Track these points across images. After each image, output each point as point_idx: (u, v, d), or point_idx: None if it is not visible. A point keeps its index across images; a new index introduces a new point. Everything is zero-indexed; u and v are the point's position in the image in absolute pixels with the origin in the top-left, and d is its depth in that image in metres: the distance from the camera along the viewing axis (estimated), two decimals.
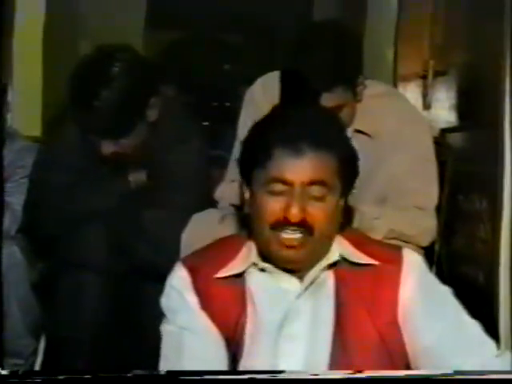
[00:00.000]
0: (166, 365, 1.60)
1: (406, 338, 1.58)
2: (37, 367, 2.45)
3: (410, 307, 1.58)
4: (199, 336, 1.59)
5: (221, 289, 1.60)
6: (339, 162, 1.57)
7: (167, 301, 1.65)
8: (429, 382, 1.54)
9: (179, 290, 1.62)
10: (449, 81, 2.74)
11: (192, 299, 1.61)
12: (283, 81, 2.13)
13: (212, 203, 2.32)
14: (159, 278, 1.72)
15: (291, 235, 1.55)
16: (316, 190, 1.55)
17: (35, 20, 3.15)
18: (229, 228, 2.00)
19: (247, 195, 1.64)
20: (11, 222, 2.48)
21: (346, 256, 1.62)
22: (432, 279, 1.68)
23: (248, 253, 1.63)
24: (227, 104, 4.74)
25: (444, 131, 2.64)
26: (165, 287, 1.66)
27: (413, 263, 1.63)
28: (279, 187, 1.55)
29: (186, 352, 1.59)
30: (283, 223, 1.55)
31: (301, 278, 1.61)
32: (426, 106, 2.91)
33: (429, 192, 2.25)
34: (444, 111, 2.74)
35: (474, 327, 1.62)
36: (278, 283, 1.61)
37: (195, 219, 2.17)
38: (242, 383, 1.52)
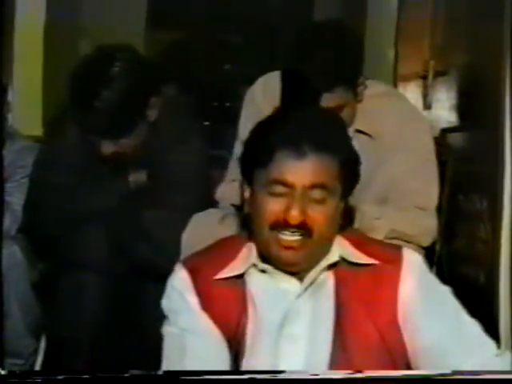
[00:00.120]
0: (168, 366, 1.60)
1: (406, 338, 1.58)
2: (37, 367, 2.45)
3: (409, 307, 1.58)
4: (201, 337, 1.59)
5: (221, 290, 1.61)
6: (341, 165, 1.57)
7: (168, 302, 1.65)
8: (428, 382, 1.53)
9: (180, 291, 1.63)
10: (449, 81, 2.74)
11: (193, 300, 1.61)
12: (284, 81, 2.13)
13: (212, 203, 2.32)
14: (159, 278, 1.72)
15: (290, 237, 1.55)
16: (317, 193, 1.55)
17: (36, 20, 3.16)
18: (229, 228, 2.00)
19: (247, 194, 1.64)
20: (11, 222, 2.48)
21: (346, 256, 1.62)
22: (432, 279, 1.68)
23: (248, 254, 1.63)
24: (227, 104, 4.73)
25: (444, 131, 2.64)
26: (165, 289, 1.66)
27: (413, 263, 1.63)
28: (280, 189, 1.55)
29: (187, 353, 1.59)
30: (283, 225, 1.55)
31: (301, 278, 1.61)
32: (427, 106, 2.91)
33: (429, 192, 2.24)
34: (444, 111, 2.75)
35: (473, 327, 1.62)
36: (278, 284, 1.61)
37: (195, 219, 2.17)
38: (242, 383, 1.52)
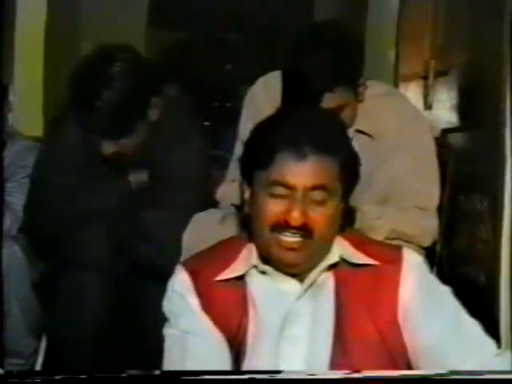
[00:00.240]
0: (169, 368, 1.60)
1: (406, 338, 1.58)
2: (38, 367, 2.45)
3: (409, 307, 1.58)
4: (202, 339, 1.59)
5: (222, 291, 1.60)
6: (341, 166, 1.57)
7: (169, 304, 1.65)
8: (428, 382, 1.54)
9: (181, 293, 1.62)
10: (450, 81, 2.74)
11: (194, 302, 1.61)
12: (285, 81, 2.13)
13: (213, 203, 2.32)
14: (160, 278, 1.72)
15: (291, 238, 1.55)
16: (317, 195, 1.55)
17: (36, 20, 3.16)
18: (230, 228, 2.00)
19: (247, 195, 1.64)
20: (12, 222, 2.48)
21: (346, 257, 1.62)
22: (432, 279, 1.68)
23: (248, 255, 1.63)
24: (228, 104, 4.73)
25: (445, 131, 2.64)
26: (166, 291, 1.66)
27: (413, 263, 1.63)
28: (281, 190, 1.55)
29: (189, 355, 1.58)
30: (283, 226, 1.55)
31: (301, 279, 1.61)
32: (427, 106, 2.92)
33: (430, 192, 2.25)
34: (445, 111, 2.75)
35: (473, 327, 1.62)
36: (279, 285, 1.61)
37: (196, 219, 2.17)
38: (241, 383, 1.52)
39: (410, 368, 1.59)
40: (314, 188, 1.54)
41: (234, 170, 2.25)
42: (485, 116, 2.33)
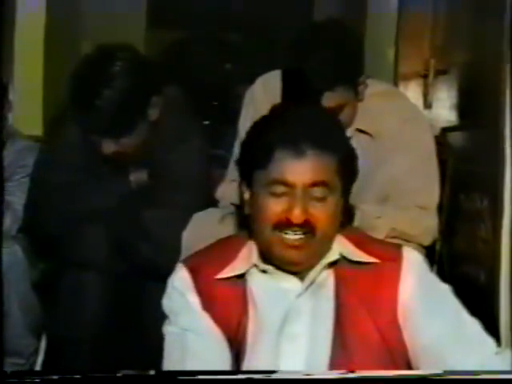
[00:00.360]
0: (169, 366, 1.60)
1: (406, 337, 1.58)
2: (38, 367, 2.45)
3: (409, 305, 1.58)
4: (202, 337, 1.58)
5: (222, 289, 1.60)
6: (339, 161, 1.57)
7: (169, 302, 1.65)
8: (427, 382, 1.54)
9: (181, 291, 1.62)
10: (450, 80, 2.74)
11: (194, 300, 1.61)
12: (285, 80, 2.13)
13: (213, 202, 2.32)
14: (160, 277, 1.72)
15: (293, 236, 1.55)
16: (317, 191, 1.55)
17: (36, 19, 3.16)
18: (229, 227, 2.00)
19: (247, 196, 1.64)
20: (12, 222, 2.49)
21: (346, 255, 1.62)
22: (432, 278, 1.68)
23: (249, 253, 1.63)
24: (228, 103, 4.73)
25: (445, 130, 2.64)
26: (166, 288, 1.66)
27: (413, 261, 1.63)
28: (281, 189, 1.55)
29: (189, 353, 1.58)
30: (285, 224, 1.54)
31: (301, 277, 1.61)
32: (427, 105, 2.92)
33: (430, 191, 2.25)
34: (445, 110, 2.75)
35: (473, 325, 1.62)
36: (279, 283, 1.61)
37: (196, 218, 2.18)
38: (238, 383, 1.52)
39: (409, 367, 1.59)
40: (314, 185, 1.54)
41: (233, 170, 2.25)
42: (484, 115, 2.33)
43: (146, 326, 2.12)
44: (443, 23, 2.86)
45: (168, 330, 1.63)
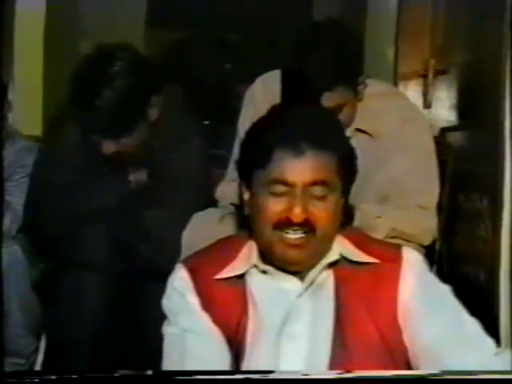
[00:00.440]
0: (168, 366, 1.60)
1: (406, 337, 1.58)
2: (37, 367, 2.45)
3: (409, 306, 1.58)
4: (201, 337, 1.58)
5: (222, 289, 1.60)
6: (338, 160, 1.58)
7: (168, 302, 1.65)
8: (426, 382, 1.54)
9: (180, 291, 1.62)
10: (449, 80, 2.74)
11: (193, 300, 1.61)
12: (284, 80, 2.13)
13: (212, 202, 2.32)
14: (160, 277, 1.72)
15: (294, 235, 1.55)
16: (317, 190, 1.55)
17: (36, 19, 3.16)
18: (229, 227, 2.00)
19: (247, 196, 1.64)
20: (12, 222, 2.49)
21: (346, 255, 1.62)
22: (432, 278, 1.68)
23: (249, 253, 1.63)
24: (227, 103, 4.73)
25: (444, 130, 2.64)
26: (166, 288, 1.66)
27: (412, 262, 1.63)
28: (281, 188, 1.55)
29: (188, 353, 1.58)
30: (286, 224, 1.54)
31: (301, 277, 1.61)
32: (427, 104, 2.92)
33: (430, 191, 2.25)
34: (444, 110, 2.75)
35: (473, 326, 1.61)
36: (279, 283, 1.61)
37: (196, 218, 2.18)
38: (235, 383, 1.52)
39: (409, 367, 1.59)
40: (314, 183, 1.54)
41: (233, 170, 2.24)
42: (484, 115, 2.33)
43: (146, 326, 2.12)
44: (443, 23, 2.86)
45: (167, 330, 1.63)
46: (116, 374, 1.52)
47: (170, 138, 2.30)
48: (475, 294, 2.07)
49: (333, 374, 1.51)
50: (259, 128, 1.63)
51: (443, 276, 1.77)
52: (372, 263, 1.61)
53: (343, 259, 1.62)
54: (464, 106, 2.59)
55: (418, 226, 2.19)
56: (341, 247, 1.62)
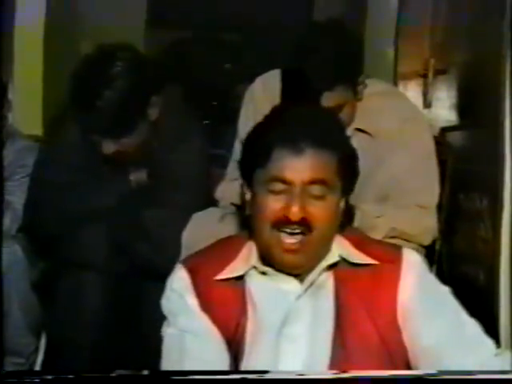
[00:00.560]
0: (167, 367, 1.60)
1: (406, 338, 1.58)
2: (37, 366, 2.46)
3: (409, 307, 1.58)
4: (200, 338, 1.59)
5: (221, 290, 1.60)
6: (339, 160, 1.58)
7: (168, 303, 1.65)
8: (424, 382, 1.53)
9: (180, 292, 1.62)
10: (449, 79, 2.74)
11: (192, 301, 1.61)
12: (284, 80, 2.13)
13: (213, 202, 2.32)
14: (160, 277, 1.72)
15: (290, 237, 1.55)
16: (316, 189, 1.55)
17: (36, 20, 3.15)
18: (229, 227, 2.00)
19: (248, 196, 1.64)
20: (12, 221, 2.49)
21: (346, 256, 1.62)
22: (432, 279, 1.68)
23: (248, 254, 1.63)
24: (228, 103, 4.73)
25: (444, 130, 2.64)
26: (165, 289, 1.66)
27: (412, 263, 1.63)
28: (279, 186, 1.55)
29: (187, 354, 1.58)
30: (284, 222, 1.54)
31: (301, 279, 1.61)
32: (427, 104, 2.91)
33: (430, 190, 2.25)
34: (444, 110, 2.75)
35: (473, 327, 1.62)
36: (279, 285, 1.61)
37: (196, 218, 2.18)
38: (232, 383, 1.52)
39: (409, 367, 1.59)
40: (312, 182, 1.54)
41: (233, 169, 2.25)
42: (484, 114, 2.33)
43: (146, 325, 2.12)
44: (443, 23, 2.86)
45: (167, 331, 1.63)
46: (113, 374, 1.52)
47: (170, 137, 2.30)
48: (475, 295, 2.07)
49: (329, 374, 1.51)
50: (260, 128, 1.63)
51: (443, 276, 1.77)
52: (372, 264, 1.61)
53: (343, 260, 1.62)
54: (464, 106, 2.59)
55: (418, 226, 2.19)
56: (340, 248, 1.62)
